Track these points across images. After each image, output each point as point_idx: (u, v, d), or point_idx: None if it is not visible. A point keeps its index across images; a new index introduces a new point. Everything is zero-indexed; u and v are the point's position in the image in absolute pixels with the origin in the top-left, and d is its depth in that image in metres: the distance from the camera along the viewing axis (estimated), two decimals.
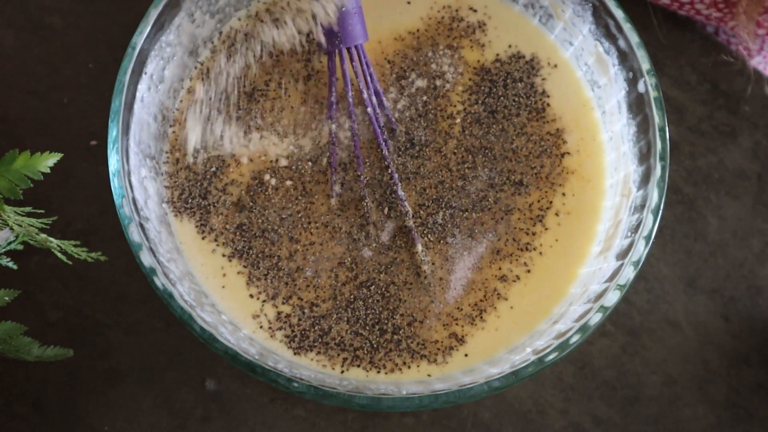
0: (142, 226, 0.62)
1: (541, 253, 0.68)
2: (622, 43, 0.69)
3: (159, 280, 0.60)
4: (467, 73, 0.74)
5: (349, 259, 0.68)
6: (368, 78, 0.69)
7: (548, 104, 0.73)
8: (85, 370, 0.72)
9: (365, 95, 0.69)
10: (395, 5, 0.76)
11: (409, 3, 0.76)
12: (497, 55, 0.74)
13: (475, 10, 0.76)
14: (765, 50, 0.87)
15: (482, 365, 0.65)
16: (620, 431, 0.73)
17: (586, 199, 0.70)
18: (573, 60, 0.74)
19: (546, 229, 0.69)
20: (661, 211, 0.64)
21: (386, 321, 0.66)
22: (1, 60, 0.81)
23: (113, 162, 0.63)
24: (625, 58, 0.69)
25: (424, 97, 0.72)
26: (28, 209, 0.67)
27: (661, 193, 0.65)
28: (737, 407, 0.74)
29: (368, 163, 0.70)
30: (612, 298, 0.62)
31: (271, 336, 0.65)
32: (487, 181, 0.70)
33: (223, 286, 0.67)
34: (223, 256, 0.67)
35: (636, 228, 0.64)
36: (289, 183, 0.69)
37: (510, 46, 0.74)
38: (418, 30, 0.75)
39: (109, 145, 0.63)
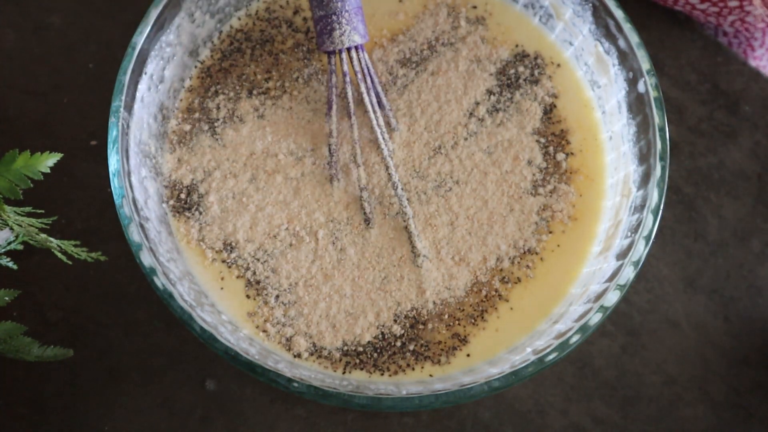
0: (142, 226, 0.62)
1: (542, 258, 0.68)
2: (622, 43, 0.69)
3: (159, 280, 0.60)
4: (471, 71, 0.73)
5: (350, 260, 0.67)
6: (368, 78, 0.69)
7: (555, 105, 0.73)
8: (85, 370, 0.72)
9: (365, 95, 0.69)
10: (389, 3, 0.75)
11: (401, 1, 0.76)
12: (501, 53, 0.74)
13: (475, 7, 0.75)
14: (764, 51, 0.87)
15: (482, 365, 0.65)
16: (620, 431, 0.73)
17: (588, 199, 0.70)
18: (573, 60, 0.74)
19: (550, 232, 0.69)
20: (661, 211, 0.64)
21: (388, 324, 0.66)
22: (1, 60, 0.81)
23: (113, 162, 0.63)
24: (625, 58, 0.69)
25: (425, 96, 0.72)
26: (28, 209, 0.67)
27: (661, 193, 0.65)
28: (737, 407, 0.74)
29: (368, 163, 0.70)
30: (612, 298, 0.62)
31: (269, 338, 0.65)
32: (490, 181, 0.70)
33: (222, 288, 0.67)
34: (223, 261, 0.67)
35: (636, 228, 0.64)
36: (287, 183, 0.69)
37: (517, 45, 0.74)
38: (413, 27, 0.75)
39: (109, 145, 0.63)
